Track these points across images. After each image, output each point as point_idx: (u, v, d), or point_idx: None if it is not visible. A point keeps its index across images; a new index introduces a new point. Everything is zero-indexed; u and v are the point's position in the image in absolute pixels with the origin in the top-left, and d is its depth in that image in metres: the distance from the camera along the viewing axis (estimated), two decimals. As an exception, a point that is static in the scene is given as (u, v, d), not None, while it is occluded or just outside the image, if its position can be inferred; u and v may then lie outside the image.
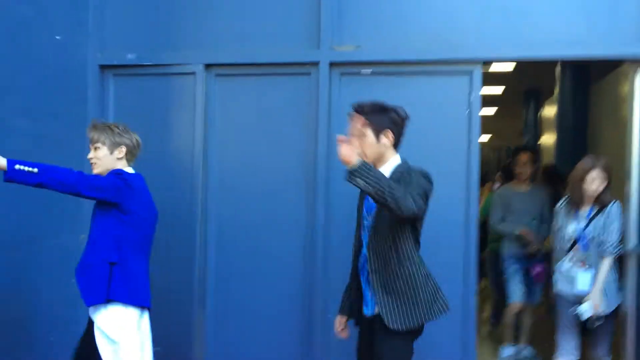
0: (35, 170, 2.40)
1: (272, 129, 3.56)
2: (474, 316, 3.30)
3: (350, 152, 2.21)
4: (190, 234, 3.58)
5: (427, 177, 2.40)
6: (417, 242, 2.48)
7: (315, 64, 3.42)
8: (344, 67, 3.42)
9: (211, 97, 3.62)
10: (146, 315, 2.73)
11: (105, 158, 2.71)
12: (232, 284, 3.57)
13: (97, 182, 2.56)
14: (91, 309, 2.64)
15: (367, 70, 3.38)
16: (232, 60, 3.58)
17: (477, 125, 3.30)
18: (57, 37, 3.42)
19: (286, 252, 3.50)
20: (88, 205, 3.62)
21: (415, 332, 2.44)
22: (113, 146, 2.71)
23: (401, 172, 2.42)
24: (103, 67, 3.72)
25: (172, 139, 3.69)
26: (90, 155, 2.74)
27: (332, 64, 3.40)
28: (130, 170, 2.78)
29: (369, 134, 2.46)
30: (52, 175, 2.44)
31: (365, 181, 2.15)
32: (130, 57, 3.69)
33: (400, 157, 2.51)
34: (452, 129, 3.32)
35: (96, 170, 2.71)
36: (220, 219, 3.60)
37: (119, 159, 2.72)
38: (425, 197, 2.34)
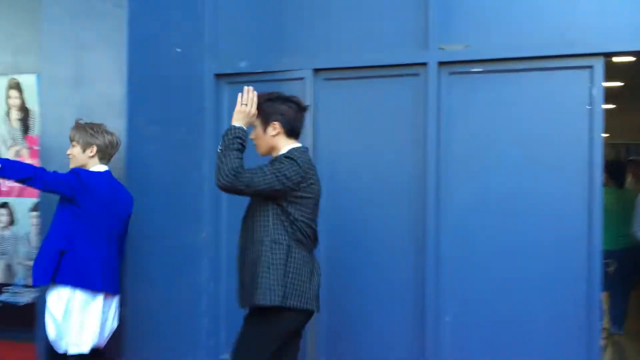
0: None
1: (379, 132, 3.58)
2: (598, 324, 3.13)
3: (237, 114, 2.51)
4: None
5: (290, 160, 2.43)
6: (295, 229, 2.47)
7: (424, 64, 3.39)
8: (453, 66, 3.37)
9: (319, 102, 3.70)
10: (100, 298, 2.98)
11: (79, 155, 3.04)
12: (341, 282, 3.63)
13: (50, 179, 2.88)
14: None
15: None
16: (339, 64, 3.64)
17: (599, 120, 3.13)
18: (178, 50, 3.65)
19: (396, 255, 3.49)
20: (208, 204, 3.86)
21: (267, 317, 2.42)
22: (85, 145, 3.02)
23: (277, 157, 2.51)
24: (218, 76, 3.93)
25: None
26: (68, 151, 3.07)
27: (441, 64, 3.36)
28: (99, 168, 3.06)
29: (258, 125, 2.57)
30: (13, 171, 2.85)
31: (219, 144, 2.43)
32: (243, 65, 3.86)
33: (299, 147, 2.57)
34: (571, 125, 3.17)
35: (71, 165, 3.04)
36: (330, 223, 3.66)
37: (90, 157, 3.03)
38: (281, 177, 2.38)
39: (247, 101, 2.53)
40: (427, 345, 3.38)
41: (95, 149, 3.03)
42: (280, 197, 2.45)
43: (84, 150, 3.04)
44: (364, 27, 3.58)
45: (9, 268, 4.57)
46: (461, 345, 3.34)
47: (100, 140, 3.04)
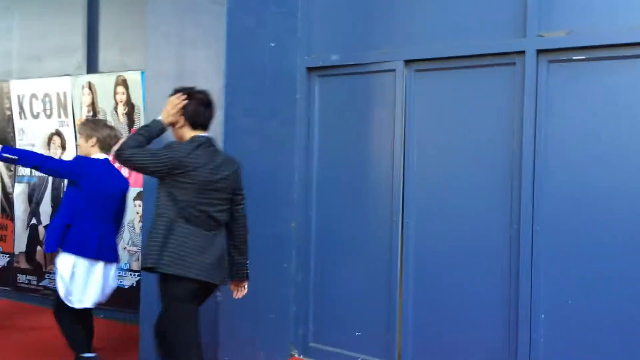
0: (16, 157, 3.49)
1: (473, 123, 3.51)
2: None
3: (163, 111, 2.91)
4: (390, 225, 3.69)
5: (167, 148, 2.80)
6: (180, 208, 2.75)
7: (521, 53, 3.28)
8: (553, 54, 3.23)
9: (410, 94, 3.67)
10: (100, 264, 3.54)
11: (83, 145, 3.67)
12: (430, 273, 3.59)
13: (53, 166, 3.54)
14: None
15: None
16: (431, 54, 3.59)
17: None
18: (272, 44, 3.75)
19: (489, 244, 3.41)
20: (298, 194, 3.95)
21: (163, 282, 2.79)
22: (87, 137, 3.62)
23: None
24: (310, 69, 4.01)
25: (372, 136, 3.83)
26: (77, 142, 3.66)
27: (540, 52, 3.24)
28: (99, 156, 3.63)
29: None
30: (26, 161, 3.54)
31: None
32: (334, 58, 3.91)
33: (197, 137, 2.87)
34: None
35: (78, 153, 3.75)
36: (419, 214, 3.64)
37: (92, 146, 3.61)
38: (153, 160, 2.74)
39: (172, 104, 2.90)
40: (520, 343, 3.27)
41: (95, 140, 3.61)
42: (163, 179, 2.79)
43: (86, 141, 3.63)
44: (456, 16, 3.51)
45: (114, 253, 4.88)
46: (555, 344, 3.21)
47: (99, 133, 3.63)
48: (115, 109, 4.87)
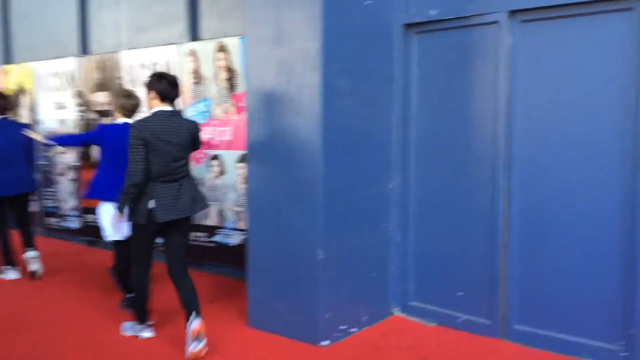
0: (55, 143, 4.64)
1: (584, 76, 3.28)
2: None
3: None
4: (492, 184, 3.58)
5: (132, 130, 3.40)
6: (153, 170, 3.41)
7: (641, -5, 3.00)
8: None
9: (516, 47, 3.49)
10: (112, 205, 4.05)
11: (114, 111, 4.33)
12: (538, 232, 3.47)
13: (85, 137, 4.62)
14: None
15: None
16: (538, 3, 3.37)
17: None
18: (368, 2, 3.69)
19: (604, 202, 3.23)
20: (396, 155, 3.93)
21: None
22: (115, 105, 4.27)
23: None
24: (407, 26, 3.91)
25: (474, 93, 3.70)
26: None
27: (663, -7, 2.94)
28: (120, 121, 4.19)
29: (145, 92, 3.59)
30: (63, 142, 4.72)
31: None
32: (433, 13, 3.78)
33: (158, 111, 3.49)
34: None
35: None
36: (525, 172, 3.50)
37: (117, 113, 4.22)
38: (135, 165, 3.39)
39: None
40: (637, 305, 3.10)
41: (119, 108, 4.22)
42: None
43: (115, 109, 4.29)
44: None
45: (220, 213, 5.14)
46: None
47: (121, 102, 4.21)
48: (217, 74, 5.04)
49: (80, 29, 6.52)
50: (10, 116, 5.19)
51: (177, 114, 3.60)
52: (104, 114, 6.11)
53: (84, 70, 6.28)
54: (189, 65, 5.24)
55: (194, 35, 5.43)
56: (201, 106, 5.17)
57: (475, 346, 3.52)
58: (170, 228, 3.52)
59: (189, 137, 3.52)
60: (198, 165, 5.23)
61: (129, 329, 3.77)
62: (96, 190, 4.22)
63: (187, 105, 5.28)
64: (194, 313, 3.39)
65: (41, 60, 6.86)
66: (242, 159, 4.81)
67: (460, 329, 3.75)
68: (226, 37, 4.97)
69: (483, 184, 3.65)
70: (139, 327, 3.72)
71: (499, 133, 3.55)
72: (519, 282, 3.54)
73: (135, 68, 5.73)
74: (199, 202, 3.60)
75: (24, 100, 7.12)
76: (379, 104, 3.89)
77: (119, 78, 5.88)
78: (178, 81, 3.60)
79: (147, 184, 3.40)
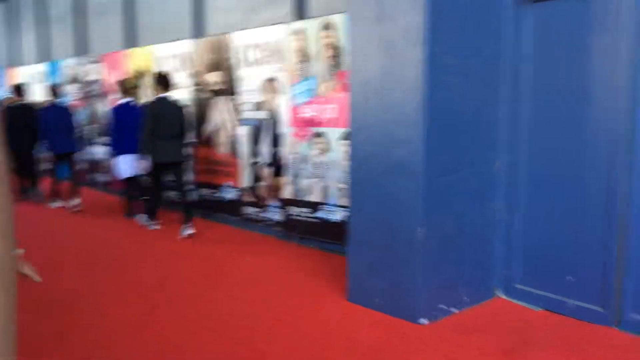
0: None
1: None
2: None
3: None
4: (611, 163, 3.35)
5: (146, 108, 5.96)
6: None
7: None
8: None
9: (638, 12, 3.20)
10: (122, 156, 6.58)
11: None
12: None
13: (110, 127, 6.74)
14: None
15: None
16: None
17: None
18: (475, -26, 3.55)
19: None
20: (504, 133, 3.79)
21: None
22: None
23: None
24: (518, -2, 3.72)
25: (592, 66, 3.45)
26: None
27: None
28: (124, 100, 6.57)
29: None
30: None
31: None
32: (547, -18, 3.56)
33: (159, 96, 5.91)
34: None
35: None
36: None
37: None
38: (146, 125, 5.90)
39: None
40: None
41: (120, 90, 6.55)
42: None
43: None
44: None
45: (324, 190, 5.25)
46: None
47: (122, 87, 6.55)
48: (323, 52, 5.10)
49: (195, 12, 6.86)
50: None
51: (170, 99, 5.98)
52: (217, 92, 6.42)
53: (198, 52, 6.62)
54: (295, 44, 5.35)
55: (301, 14, 5.53)
56: (306, 84, 5.28)
57: (585, 334, 3.35)
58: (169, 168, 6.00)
59: (180, 114, 5.93)
60: (302, 143, 5.37)
61: (143, 221, 6.36)
62: (112, 147, 6.64)
63: (293, 84, 5.41)
64: (188, 221, 5.88)
65: (160, 43, 7.32)
66: (346, 137, 4.87)
67: (568, 315, 3.58)
68: (331, 14, 5.01)
69: (600, 163, 3.42)
70: (150, 222, 6.28)
71: (620, 108, 3.30)
72: (638, 269, 3.31)
73: (245, 48, 5.94)
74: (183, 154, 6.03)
75: (146, 82, 7.65)
76: (486, 81, 3.75)
77: (232, 58, 6.14)
78: (169, 77, 6.00)
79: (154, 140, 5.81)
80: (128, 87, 6.76)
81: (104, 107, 8.63)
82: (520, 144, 3.80)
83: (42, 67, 10.71)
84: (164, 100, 5.87)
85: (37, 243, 5.71)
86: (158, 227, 6.26)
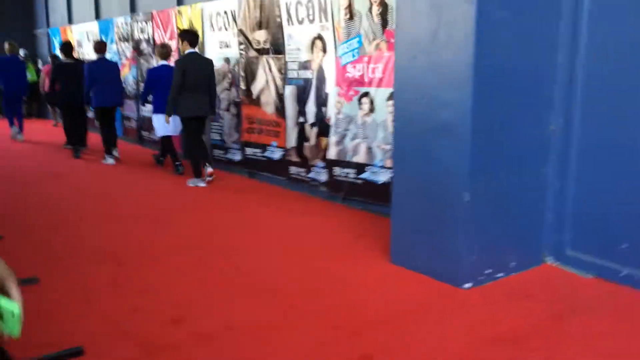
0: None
1: None
2: None
3: None
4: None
5: (176, 62, 6.27)
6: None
7: None
8: None
9: None
10: (157, 115, 7.15)
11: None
12: None
13: (144, 88, 7.69)
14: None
15: None
16: None
17: None
18: None
19: None
20: (560, 94, 3.61)
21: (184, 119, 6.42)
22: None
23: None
24: (581, -54, 3.48)
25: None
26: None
27: None
28: (159, 63, 7.24)
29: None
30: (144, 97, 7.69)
31: None
32: None
33: (189, 52, 6.26)
34: None
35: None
36: None
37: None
38: (175, 78, 6.19)
39: None
40: None
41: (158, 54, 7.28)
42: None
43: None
44: None
45: (369, 150, 5.18)
46: None
47: (157, 50, 7.40)
48: (370, 9, 4.96)
49: (242, -32, 6.77)
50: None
51: (200, 54, 6.51)
52: (263, 51, 6.37)
53: (245, 9, 6.56)
54: (342, 1, 5.21)
55: (349, -30, 5.36)
56: (353, 42, 5.16)
57: (637, 302, 3.23)
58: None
59: (210, 68, 6.33)
60: (348, 103, 5.29)
61: (191, 182, 6.49)
62: (156, 107, 7.07)
63: (340, 43, 5.31)
64: (207, 163, 6.48)
65: (209, 0, 7.29)
66: (392, 97, 4.76)
67: (621, 283, 3.45)
68: (380, -31, 4.84)
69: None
70: (196, 180, 6.48)
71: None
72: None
73: (293, 5, 5.84)
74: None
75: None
76: (543, 39, 3.55)
77: (278, 16, 6.05)
78: (197, 33, 6.56)
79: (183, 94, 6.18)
80: (163, 50, 7.23)
81: (154, 65, 8.74)
82: (577, 106, 3.62)
83: (94, 26, 10.89)
84: (192, 55, 6.24)
85: (90, 197, 5.92)
86: (204, 184, 6.46)
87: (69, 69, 8.22)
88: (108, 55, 8.62)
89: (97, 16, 11.25)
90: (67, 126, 8.66)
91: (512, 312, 3.12)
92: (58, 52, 9.33)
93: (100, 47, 7.91)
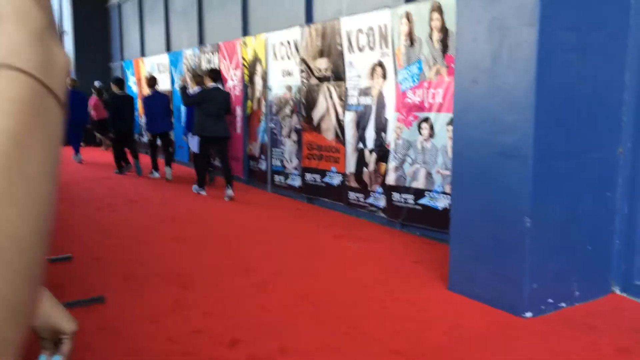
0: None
1: None
2: None
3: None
4: None
5: (198, 94, 7.46)
6: (202, 111, 7.27)
7: None
8: None
9: None
10: (191, 136, 8.28)
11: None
12: None
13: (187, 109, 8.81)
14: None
15: None
16: None
17: None
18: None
19: None
20: (629, 117, 3.49)
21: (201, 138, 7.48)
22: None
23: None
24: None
25: None
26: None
27: None
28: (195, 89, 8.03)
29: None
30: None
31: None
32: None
33: (208, 86, 7.40)
34: None
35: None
36: None
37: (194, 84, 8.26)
38: (191, 98, 7.55)
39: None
40: None
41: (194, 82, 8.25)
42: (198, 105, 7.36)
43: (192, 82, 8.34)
44: None
45: (429, 176, 5.14)
46: None
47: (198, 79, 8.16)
48: (430, 36, 4.98)
49: (305, -1, 6.98)
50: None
51: (219, 88, 7.48)
52: (324, 78, 6.50)
53: (307, 38, 6.72)
54: (403, 28, 5.27)
55: (409, -3, 5.43)
56: (414, 68, 5.19)
57: None
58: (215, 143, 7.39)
59: (224, 99, 7.34)
60: (407, 128, 5.29)
61: (195, 189, 7.65)
62: (188, 127, 8.38)
63: (400, 69, 5.34)
64: (228, 185, 7.21)
65: (273, 31, 7.53)
66: (452, 122, 4.72)
67: (698, 319, 3.25)
68: (440, -4, 4.87)
69: None
70: (199, 188, 7.61)
71: None
72: None
73: (352, 33, 5.95)
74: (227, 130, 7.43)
75: (259, 69, 7.92)
76: (610, 59, 3.47)
77: (339, 44, 6.17)
78: (218, 70, 7.76)
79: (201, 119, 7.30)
80: (197, 79, 8.12)
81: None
82: (646, 129, 3.48)
83: (164, 58, 11.44)
84: (213, 88, 7.37)
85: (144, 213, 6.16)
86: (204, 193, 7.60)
87: (121, 100, 9.34)
88: (159, 87, 9.56)
89: (168, 49, 11.81)
90: (117, 153, 9.70)
91: (575, 344, 2.99)
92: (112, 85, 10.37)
93: (152, 81, 9.10)
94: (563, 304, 3.46)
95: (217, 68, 8.24)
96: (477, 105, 3.53)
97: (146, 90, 9.63)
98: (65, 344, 0.93)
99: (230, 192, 7.16)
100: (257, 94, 8.05)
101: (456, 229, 3.77)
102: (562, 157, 3.35)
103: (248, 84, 8.27)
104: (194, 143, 7.99)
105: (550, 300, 3.41)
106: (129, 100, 9.56)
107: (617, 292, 3.66)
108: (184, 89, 7.55)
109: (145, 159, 9.88)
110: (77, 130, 11.51)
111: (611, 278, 3.67)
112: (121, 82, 9.70)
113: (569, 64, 3.28)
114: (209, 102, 7.19)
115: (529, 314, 3.33)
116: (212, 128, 7.27)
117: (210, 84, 7.36)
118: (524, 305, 3.34)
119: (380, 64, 5.64)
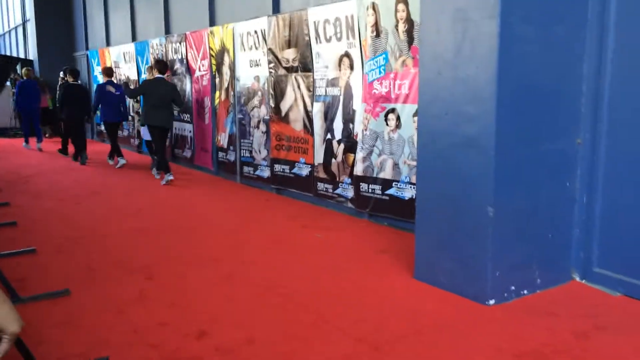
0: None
1: None
2: None
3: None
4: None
5: (140, 86, 8.69)
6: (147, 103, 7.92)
7: None
8: None
9: None
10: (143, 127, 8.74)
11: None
12: None
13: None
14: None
15: None
16: None
17: None
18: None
19: None
20: (586, 108, 3.57)
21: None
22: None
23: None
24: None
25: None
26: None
27: None
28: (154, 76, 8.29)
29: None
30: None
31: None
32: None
33: (156, 77, 8.03)
34: None
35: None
36: None
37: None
38: (135, 92, 8.77)
39: None
40: None
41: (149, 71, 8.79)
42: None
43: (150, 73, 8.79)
44: None
45: (396, 166, 5.19)
46: None
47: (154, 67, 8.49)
48: (396, 27, 5.00)
49: (272, -11, 6.92)
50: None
51: (162, 79, 7.98)
52: (291, 70, 6.47)
53: (274, 29, 6.68)
54: (369, 19, 5.28)
55: (376, -12, 5.43)
56: (380, 59, 5.21)
57: (669, 323, 3.14)
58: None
59: (166, 91, 7.80)
60: (375, 119, 5.32)
61: (155, 173, 8.17)
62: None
63: (367, 60, 5.36)
64: (168, 172, 7.74)
65: (240, 21, 7.46)
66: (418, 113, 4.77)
67: (652, 303, 3.36)
68: (406, -13, 4.89)
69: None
70: (157, 172, 8.09)
71: None
72: None
73: (321, 24, 5.93)
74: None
75: (226, 59, 7.84)
76: (569, 51, 3.53)
77: (306, 35, 6.15)
78: (164, 62, 8.36)
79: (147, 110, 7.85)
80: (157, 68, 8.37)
81: (187, 84, 8.96)
82: (603, 119, 3.57)
83: (130, 47, 11.24)
84: (158, 79, 7.92)
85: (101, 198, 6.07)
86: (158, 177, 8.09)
87: (72, 90, 9.81)
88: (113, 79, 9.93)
89: (134, 38, 11.60)
90: (64, 140, 10.66)
91: (537, 329, 3.07)
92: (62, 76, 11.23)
93: (109, 72, 9.74)
94: (525, 291, 3.55)
95: (163, 59, 8.85)
96: (441, 97, 3.57)
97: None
98: (4, 343, 0.91)
99: (169, 176, 7.73)
100: (225, 84, 7.98)
101: (421, 218, 3.81)
102: (523, 147, 3.42)
103: (216, 74, 8.19)
104: (145, 132, 8.55)
105: (513, 288, 3.49)
106: (80, 89, 10.06)
107: (577, 279, 3.76)
108: (126, 84, 8.74)
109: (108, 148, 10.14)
110: (34, 118, 12.07)
111: (571, 266, 3.77)
112: (76, 73, 10.27)
113: (530, 56, 3.34)
114: (151, 94, 7.79)
115: (492, 302, 3.40)
116: (154, 118, 7.82)
117: (156, 74, 7.97)
118: (487, 293, 3.41)
119: (347, 55, 5.65)
